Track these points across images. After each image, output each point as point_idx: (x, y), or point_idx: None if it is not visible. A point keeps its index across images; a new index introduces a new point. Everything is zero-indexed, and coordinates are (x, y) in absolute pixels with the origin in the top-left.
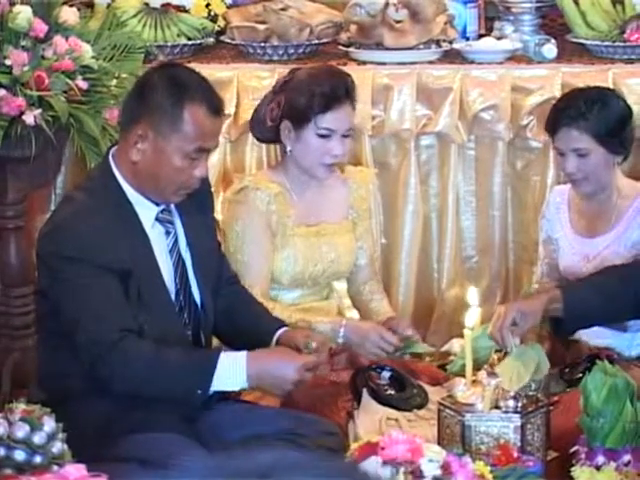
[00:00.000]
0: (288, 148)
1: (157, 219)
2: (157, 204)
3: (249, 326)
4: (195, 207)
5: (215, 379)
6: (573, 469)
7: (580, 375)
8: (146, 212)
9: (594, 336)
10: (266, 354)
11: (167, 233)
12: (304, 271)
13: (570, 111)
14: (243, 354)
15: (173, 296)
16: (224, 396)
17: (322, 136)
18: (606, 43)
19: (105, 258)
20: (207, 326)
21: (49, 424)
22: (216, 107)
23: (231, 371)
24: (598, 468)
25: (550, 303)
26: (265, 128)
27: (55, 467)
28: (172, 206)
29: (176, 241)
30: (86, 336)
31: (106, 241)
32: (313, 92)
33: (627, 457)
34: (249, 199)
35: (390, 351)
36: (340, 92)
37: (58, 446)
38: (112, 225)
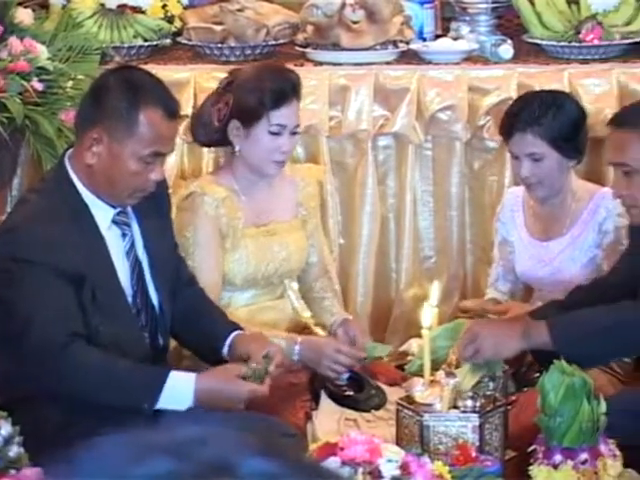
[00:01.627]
0: (237, 148)
1: (113, 221)
2: (113, 206)
3: (204, 328)
4: (152, 209)
5: (162, 397)
6: (531, 468)
7: (538, 374)
8: (102, 214)
9: None
10: (215, 378)
11: (124, 235)
12: (257, 271)
13: (524, 116)
14: (192, 376)
15: (130, 299)
16: None
17: (273, 133)
18: (562, 43)
19: (59, 261)
20: (165, 328)
21: (6, 428)
22: (172, 111)
23: (178, 391)
24: (555, 467)
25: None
26: (211, 130)
27: (12, 471)
28: (129, 208)
29: (133, 243)
30: (35, 340)
31: (61, 244)
32: (264, 89)
33: (584, 456)
34: (197, 205)
35: (349, 364)
36: (289, 88)
37: (15, 450)
38: (67, 228)
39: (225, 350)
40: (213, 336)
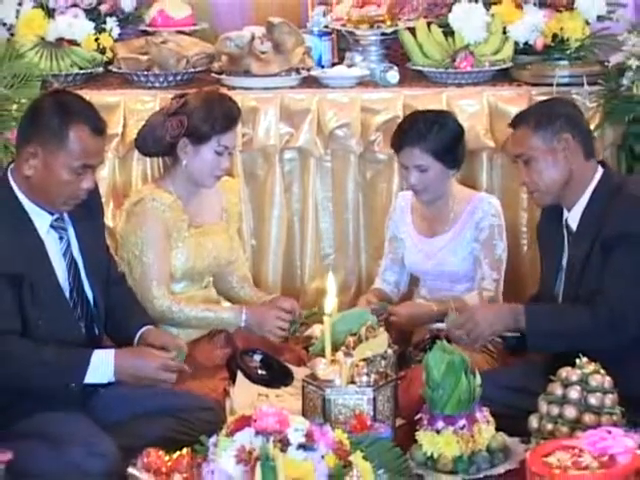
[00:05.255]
0: (184, 162)
1: (51, 226)
2: (51, 213)
3: (124, 321)
4: (86, 214)
5: (87, 374)
6: (418, 433)
7: (422, 353)
8: (41, 220)
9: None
10: (131, 353)
11: (61, 238)
12: (194, 266)
13: (412, 132)
14: (111, 352)
15: (67, 294)
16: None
17: (218, 153)
18: (440, 70)
19: None
20: (99, 319)
21: None
22: (99, 128)
23: (101, 367)
24: (438, 432)
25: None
26: (162, 144)
27: None
28: (65, 214)
29: (69, 245)
30: None
31: None
32: (215, 116)
33: (462, 422)
34: (148, 209)
35: (287, 327)
36: (235, 115)
37: None
38: (7, 233)
39: (135, 341)
40: (129, 328)
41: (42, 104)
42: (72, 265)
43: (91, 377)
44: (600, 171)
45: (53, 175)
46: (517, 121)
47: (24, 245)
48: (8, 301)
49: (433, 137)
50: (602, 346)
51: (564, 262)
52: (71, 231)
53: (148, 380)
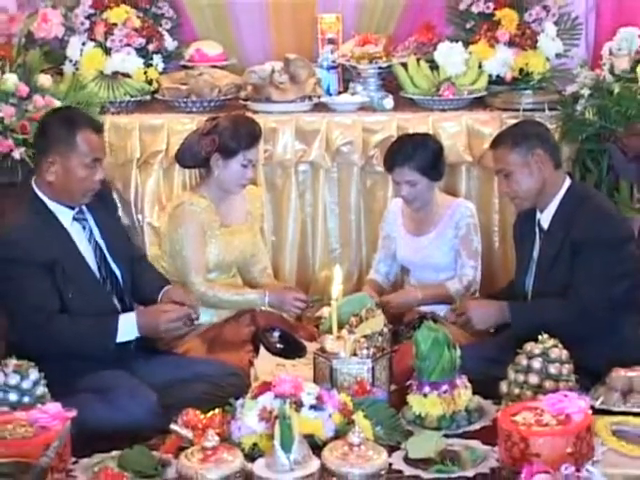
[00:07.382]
0: (216, 173)
1: (74, 219)
2: (72, 208)
3: (146, 288)
4: (101, 206)
5: (118, 334)
6: (408, 397)
7: (412, 331)
8: (64, 216)
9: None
10: (146, 311)
11: (84, 228)
12: (224, 259)
13: (401, 155)
14: (133, 313)
15: (97, 272)
16: (155, 349)
17: (244, 165)
18: (427, 97)
19: (34, 256)
20: (127, 291)
21: (34, 374)
22: (98, 127)
23: (127, 326)
24: (425, 395)
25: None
26: (198, 158)
27: (39, 405)
28: (84, 207)
29: (91, 232)
30: (22, 321)
31: (34, 243)
32: (241, 135)
33: (445, 387)
34: (186, 211)
35: (303, 307)
36: (257, 134)
37: (41, 390)
38: (38, 230)
39: (159, 299)
40: (153, 292)
41: (48, 120)
42: (97, 248)
43: (121, 336)
44: (568, 180)
45: (72, 174)
46: (496, 142)
47: (53, 237)
48: (48, 285)
49: (418, 157)
50: (573, 333)
51: (535, 255)
52: (91, 221)
53: (162, 332)
